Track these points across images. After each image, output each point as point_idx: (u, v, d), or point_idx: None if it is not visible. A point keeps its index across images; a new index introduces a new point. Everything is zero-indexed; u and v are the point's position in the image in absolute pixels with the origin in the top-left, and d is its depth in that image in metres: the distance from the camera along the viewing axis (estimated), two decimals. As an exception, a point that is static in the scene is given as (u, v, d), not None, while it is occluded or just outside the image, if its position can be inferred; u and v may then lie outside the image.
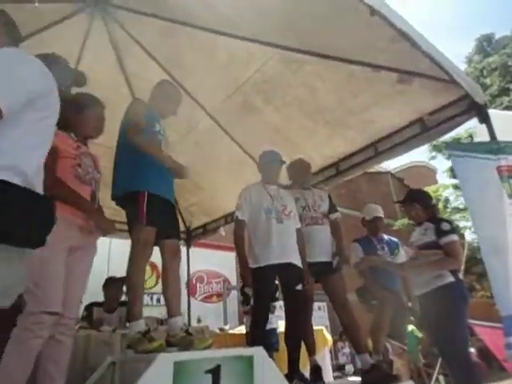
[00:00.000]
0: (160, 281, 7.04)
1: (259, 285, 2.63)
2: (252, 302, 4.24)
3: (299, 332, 2.66)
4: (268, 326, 4.04)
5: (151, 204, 2.10)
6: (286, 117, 3.67)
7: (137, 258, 2.07)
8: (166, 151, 2.35)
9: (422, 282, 2.87)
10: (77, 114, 1.94)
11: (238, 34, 3.07)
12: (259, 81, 3.39)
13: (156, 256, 6.71)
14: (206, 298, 8.30)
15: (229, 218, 5.33)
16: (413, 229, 3.19)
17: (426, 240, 2.84)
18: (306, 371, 2.69)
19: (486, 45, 12.74)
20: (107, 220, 1.91)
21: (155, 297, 7.14)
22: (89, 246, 1.79)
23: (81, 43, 3.58)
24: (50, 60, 2.19)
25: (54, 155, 1.70)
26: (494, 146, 2.52)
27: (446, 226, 2.80)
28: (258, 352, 1.69)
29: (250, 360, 1.63)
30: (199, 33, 3.23)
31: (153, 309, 6.62)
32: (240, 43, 3.13)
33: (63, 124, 1.87)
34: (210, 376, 1.49)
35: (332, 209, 3.25)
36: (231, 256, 8.85)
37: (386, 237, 3.69)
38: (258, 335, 2.47)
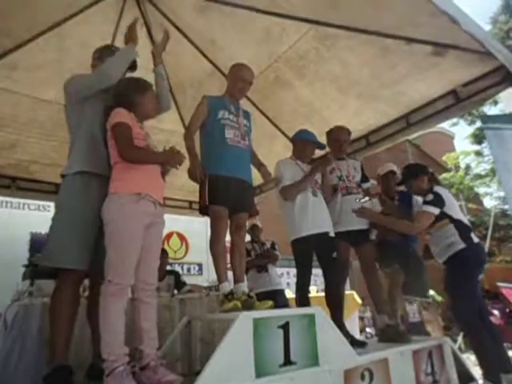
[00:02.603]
0: (189, 252, 7.38)
1: (300, 254, 2.85)
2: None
3: (339, 294, 2.90)
4: (277, 287, 4.37)
5: (213, 184, 2.34)
6: (317, 91, 3.75)
7: (212, 232, 2.35)
8: (238, 131, 2.58)
9: (438, 251, 3.11)
10: (140, 96, 2.04)
11: (273, 10, 3.12)
12: (292, 57, 3.46)
13: (184, 228, 6.97)
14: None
15: (257, 189, 5.52)
16: None
17: None
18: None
19: (513, 4, 12.11)
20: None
21: (185, 266, 7.49)
22: (160, 219, 1.96)
23: (115, 24, 3.67)
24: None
25: (129, 132, 1.87)
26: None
27: (428, 197, 3.03)
28: (318, 311, 1.93)
29: (312, 317, 1.87)
30: (233, 10, 3.27)
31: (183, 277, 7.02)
32: (274, 20, 3.18)
33: (125, 106, 2.02)
34: (281, 331, 1.75)
35: (364, 178, 3.37)
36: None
37: (400, 193, 3.61)
38: (305, 297, 2.73)
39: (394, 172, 3.66)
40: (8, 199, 5.73)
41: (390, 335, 2.81)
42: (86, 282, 2.12)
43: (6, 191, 4.62)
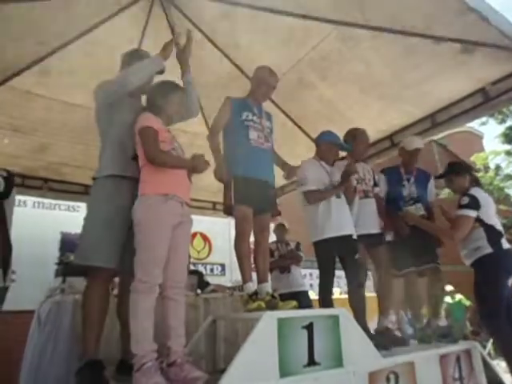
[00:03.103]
0: (212, 252, 7.49)
1: (323, 256, 2.83)
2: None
3: (362, 296, 2.87)
4: (300, 289, 4.35)
5: (239, 185, 2.38)
6: (340, 92, 3.73)
7: (237, 232, 2.39)
8: (261, 132, 2.61)
9: (465, 254, 3.08)
10: (162, 100, 2.09)
11: (296, 11, 3.13)
12: (315, 58, 3.45)
13: (208, 229, 7.06)
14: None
15: (279, 191, 5.54)
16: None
17: None
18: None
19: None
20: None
21: (208, 267, 7.58)
22: (188, 219, 2.01)
23: (141, 29, 3.77)
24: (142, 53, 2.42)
25: (155, 136, 1.92)
26: None
27: (463, 201, 3.01)
28: (343, 312, 1.93)
29: (336, 318, 1.88)
30: (257, 13, 3.29)
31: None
32: (297, 21, 3.19)
33: (152, 110, 2.08)
34: (305, 331, 1.76)
35: (375, 182, 3.38)
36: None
37: (418, 169, 3.52)
38: (328, 299, 2.71)
39: (420, 150, 3.49)
40: (40, 200, 5.97)
41: (387, 339, 2.76)
42: (115, 279, 2.19)
43: (38, 192, 4.82)
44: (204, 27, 3.73)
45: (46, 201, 6.00)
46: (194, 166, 1.99)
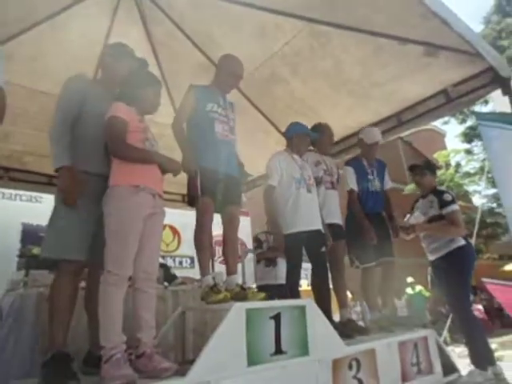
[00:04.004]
0: (181, 245, 7.36)
1: (290, 249, 2.87)
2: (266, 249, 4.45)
3: (326, 287, 2.96)
4: (279, 282, 4.43)
5: (204, 177, 2.35)
6: (311, 88, 3.80)
7: (198, 223, 2.38)
8: (226, 125, 2.55)
9: (436, 246, 3.25)
10: (139, 90, 2.05)
11: (269, 7, 3.15)
12: (288, 53, 3.49)
13: (177, 221, 6.92)
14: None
15: (250, 184, 5.57)
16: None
17: (434, 213, 3.26)
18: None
19: (505, 4, 12.05)
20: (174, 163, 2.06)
21: (177, 260, 7.50)
22: (161, 211, 2.00)
23: (110, 17, 3.67)
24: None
25: (124, 128, 1.88)
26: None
27: (447, 197, 3.22)
28: (309, 303, 2.00)
29: (303, 309, 1.94)
30: (229, 5, 3.29)
31: (175, 270, 7.02)
32: (270, 16, 3.22)
33: (127, 100, 2.03)
34: (273, 321, 1.81)
35: (338, 178, 3.49)
36: (247, 220, 9.15)
37: (376, 160, 3.65)
38: (295, 289, 2.78)
39: (379, 142, 3.59)
40: (0, 190, 5.69)
41: (351, 329, 2.86)
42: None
43: (-2, 182, 4.61)
44: (175, 17, 3.68)
45: (7, 191, 5.73)
46: (164, 164, 1.98)
